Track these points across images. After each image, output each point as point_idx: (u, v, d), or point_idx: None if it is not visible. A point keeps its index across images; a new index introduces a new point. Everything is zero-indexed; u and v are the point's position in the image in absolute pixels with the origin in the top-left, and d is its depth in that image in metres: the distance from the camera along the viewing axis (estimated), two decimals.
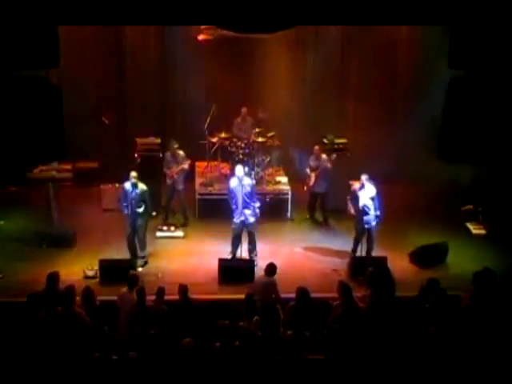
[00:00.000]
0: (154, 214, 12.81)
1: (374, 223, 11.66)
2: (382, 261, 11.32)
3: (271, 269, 9.96)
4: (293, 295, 9.15)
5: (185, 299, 9.22)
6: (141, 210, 11.48)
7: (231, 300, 9.97)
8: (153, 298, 9.23)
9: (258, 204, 11.76)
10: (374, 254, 11.87)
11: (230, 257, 11.81)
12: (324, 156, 13.51)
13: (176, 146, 13.20)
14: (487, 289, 9.12)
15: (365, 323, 8.61)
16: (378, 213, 11.57)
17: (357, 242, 11.86)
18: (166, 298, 9.41)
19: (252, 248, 11.87)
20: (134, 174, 11.60)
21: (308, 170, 13.53)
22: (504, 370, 6.99)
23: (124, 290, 9.38)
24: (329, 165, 13.44)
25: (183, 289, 9.26)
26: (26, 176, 12.67)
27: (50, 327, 8.46)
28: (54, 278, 9.28)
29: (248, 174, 12.96)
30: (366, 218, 11.59)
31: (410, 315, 8.84)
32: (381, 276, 9.70)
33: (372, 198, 11.52)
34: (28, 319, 8.47)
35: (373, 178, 11.73)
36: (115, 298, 9.51)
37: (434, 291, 9.03)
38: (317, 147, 13.53)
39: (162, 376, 7.00)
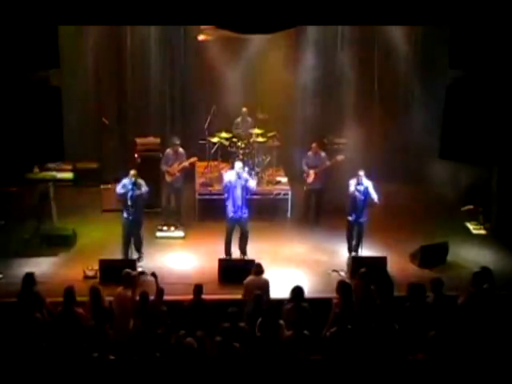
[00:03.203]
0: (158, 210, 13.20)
1: (365, 218, 11.78)
2: (382, 261, 11.34)
3: (260, 268, 9.95)
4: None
5: (198, 300, 9.23)
6: (141, 208, 11.51)
7: (231, 300, 9.96)
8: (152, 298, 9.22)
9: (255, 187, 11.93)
10: (374, 254, 11.88)
11: (226, 257, 11.84)
12: (323, 154, 13.49)
13: (178, 142, 13.17)
14: (485, 288, 9.13)
15: (362, 322, 8.60)
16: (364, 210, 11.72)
17: (350, 239, 11.93)
18: (171, 298, 9.44)
19: (243, 249, 11.88)
20: (133, 172, 11.61)
21: (306, 168, 13.51)
22: (503, 371, 6.99)
23: (119, 289, 9.37)
24: (327, 162, 13.43)
25: (198, 289, 9.27)
26: (26, 176, 12.65)
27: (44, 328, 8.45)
28: (30, 278, 9.23)
29: (248, 174, 12.95)
30: (358, 212, 11.70)
31: (408, 315, 8.84)
32: (378, 275, 9.72)
33: (366, 193, 11.60)
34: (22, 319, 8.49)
35: (370, 178, 11.80)
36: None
37: (436, 291, 9.03)
38: (314, 144, 13.52)
39: (164, 375, 7.01)
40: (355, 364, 7.36)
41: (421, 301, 8.90)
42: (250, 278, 9.92)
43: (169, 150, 13.21)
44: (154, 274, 9.64)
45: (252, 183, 11.94)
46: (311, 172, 13.38)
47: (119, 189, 11.57)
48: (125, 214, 11.56)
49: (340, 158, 13.49)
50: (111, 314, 8.78)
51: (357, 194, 11.59)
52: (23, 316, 8.50)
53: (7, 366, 7.07)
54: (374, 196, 11.61)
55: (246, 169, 13.17)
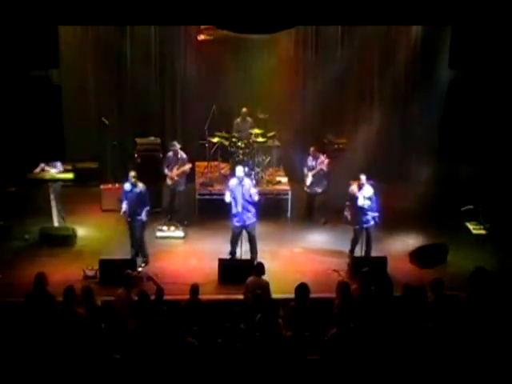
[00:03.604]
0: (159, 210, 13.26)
1: (371, 223, 11.69)
2: (382, 261, 11.34)
3: (262, 268, 9.94)
4: (292, 295, 9.11)
5: (194, 299, 9.23)
6: (140, 209, 11.48)
7: (231, 300, 9.96)
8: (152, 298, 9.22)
9: (257, 197, 11.52)
10: (374, 254, 11.87)
11: (228, 257, 11.81)
12: (322, 157, 13.47)
13: (177, 146, 13.18)
14: (482, 288, 9.14)
15: (362, 322, 8.59)
16: (376, 214, 11.58)
17: (354, 243, 11.88)
18: (170, 298, 9.43)
19: (253, 255, 11.80)
20: (133, 173, 11.60)
21: (305, 170, 13.52)
22: (502, 369, 7.00)
23: (120, 290, 9.37)
24: (324, 167, 13.42)
25: (194, 289, 9.27)
26: (27, 176, 12.65)
27: (47, 328, 8.44)
28: (41, 278, 9.22)
29: (248, 175, 12.93)
30: (363, 218, 11.61)
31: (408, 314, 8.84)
32: (378, 276, 9.70)
33: (370, 199, 11.53)
34: (27, 319, 8.47)
35: (370, 178, 11.76)
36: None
37: (437, 291, 9.03)
38: (312, 148, 13.53)
39: (165, 375, 7.02)
40: (355, 364, 7.37)
41: (417, 302, 8.88)
42: (252, 278, 9.92)
43: (170, 153, 13.25)
44: (149, 278, 9.66)
45: (253, 191, 11.57)
46: (309, 174, 13.40)
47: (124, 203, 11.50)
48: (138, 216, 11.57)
49: (327, 161, 13.47)
50: (106, 314, 8.78)
51: (360, 199, 11.53)
52: (29, 316, 8.51)
53: (10, 365, 7.09)
54: (374, 213, 11.54)
55: (246, 169, 13.16)
